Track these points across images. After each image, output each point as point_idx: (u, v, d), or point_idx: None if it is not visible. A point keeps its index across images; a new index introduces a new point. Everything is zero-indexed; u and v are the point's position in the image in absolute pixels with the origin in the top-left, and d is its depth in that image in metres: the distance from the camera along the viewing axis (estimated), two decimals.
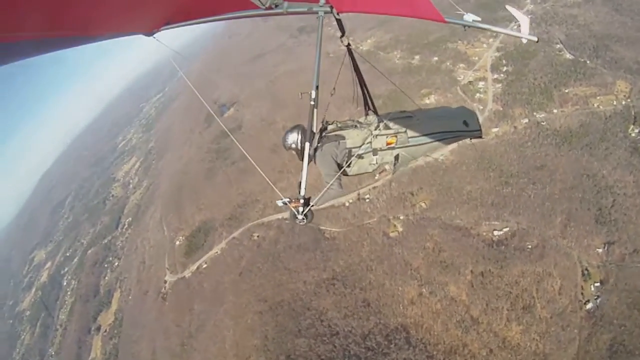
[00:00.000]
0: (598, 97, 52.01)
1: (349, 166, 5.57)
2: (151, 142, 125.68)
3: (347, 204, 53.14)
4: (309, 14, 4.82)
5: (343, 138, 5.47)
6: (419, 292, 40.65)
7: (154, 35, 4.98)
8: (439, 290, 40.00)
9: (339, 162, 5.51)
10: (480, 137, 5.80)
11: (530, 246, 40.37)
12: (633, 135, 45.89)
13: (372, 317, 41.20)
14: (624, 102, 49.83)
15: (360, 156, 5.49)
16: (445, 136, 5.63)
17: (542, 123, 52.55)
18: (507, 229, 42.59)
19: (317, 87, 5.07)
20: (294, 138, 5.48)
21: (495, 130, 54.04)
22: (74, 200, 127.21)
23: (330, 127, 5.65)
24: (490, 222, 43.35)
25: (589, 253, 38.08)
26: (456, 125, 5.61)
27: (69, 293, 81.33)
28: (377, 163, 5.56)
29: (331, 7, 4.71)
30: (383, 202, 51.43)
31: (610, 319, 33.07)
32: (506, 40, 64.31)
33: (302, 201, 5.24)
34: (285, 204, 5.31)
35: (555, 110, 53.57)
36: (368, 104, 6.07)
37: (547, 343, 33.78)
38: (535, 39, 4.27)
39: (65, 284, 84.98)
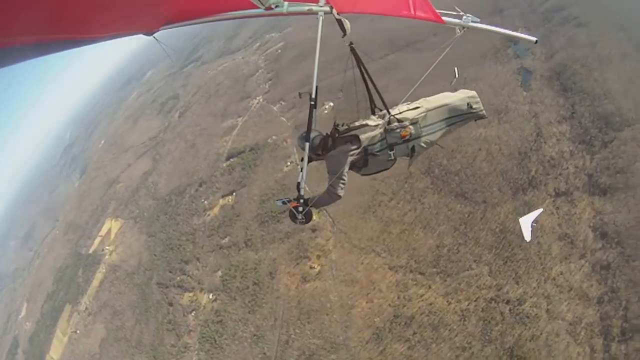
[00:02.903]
0: None
1: (366, 166, 5.63)
2: None
3: None
4: (309, 14, 4.87)
5: (357, 138, 5.47)
6: None
7: (154, 35, 5.04)
8: None
9: (354, 163, 5.57)
10: (485, 117, 5.95)
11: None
12: None
13: None
14: None
15: (376, 154, 5.53)
16: (454, 120, 5.72)
17: None
18: None
19: (316, 88, 5.08)
20: (315, 141, 5.51)
21: None
22: None
23: (342, 129, 5.65)
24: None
25: None
26: (462, 109, 5.70)
27: None
28: (394, 158, 5.61)
29: (331, 8, 4.75)
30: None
31: None
32: None
33: (301, 201, 5.28)
34: (285, 203, 5.44)
35: None
36: (374, 102, 6.07)
37: None
38: (534, 39, 4.49)
39: None
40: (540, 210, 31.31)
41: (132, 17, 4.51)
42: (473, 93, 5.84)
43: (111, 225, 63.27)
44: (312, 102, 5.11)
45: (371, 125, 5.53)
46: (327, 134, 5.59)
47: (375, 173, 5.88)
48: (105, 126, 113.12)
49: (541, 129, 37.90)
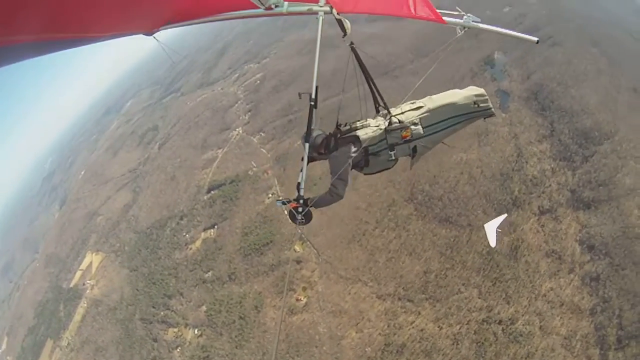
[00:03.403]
0: None
1: (367, 166, 5.65)
2: None
3: None
4: (309, 14, 4.85)
5: (358, 138, 5.45)
6: None
7: (154, 35, 5.10)
8: None
9: (356, 163, 5.57)
10: (493, 115, 5.75)
11: None
12: None
13: None
14: None
15: (377, 154, 5.55)
16: (459, 120, 5.62)
17: None
18: None
19: (316, 88, 5.05)
20: (317, 140, 5.47)
21: None
22: None
23: (343, 129, 5.63)
24: None
25: None
26: (468, 107, 5.57)
27: None
28: (395, 158, 5.59)
29: (331, 8, 4.72)
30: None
31: None
32: None
33: (301, 201, 5.23)
34: (284, 204, 5.36)
35: None
36: (378, 101, 5.96)
37: None
38: (535, 39, 4.60)
39: None
40: (504, 215, 31.58)
41: (132, 17, 4.51)
42: (481, 91, 5.64)
43: (92, 259, 61.71)
44: (312, 102, 5.06)
45: (372, 126, 5.55)
46: (329, 133, 5.59)
47: (377, 172, 5.89)
48: (86, 157, 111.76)
49: (521, 149, 38.35)
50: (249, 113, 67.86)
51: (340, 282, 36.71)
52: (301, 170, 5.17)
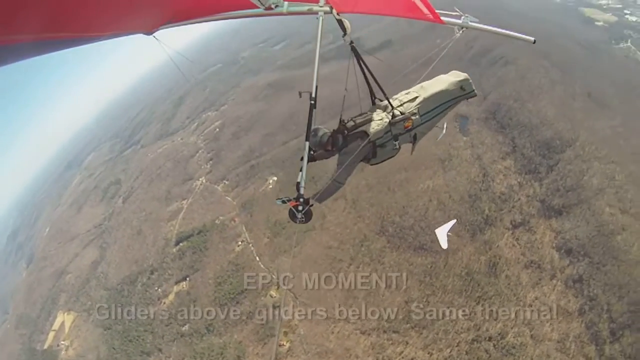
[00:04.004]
0: None
1: (375, 157, 5.96)
2: None
3: None
4: (309, 14, 4.93)
5: (367, 134, 5.67)
6: None
7: (154, 35, 5.13)
8: None
9: (364, 156, 5.86)
10: (475, 95, 6.33)
11: None
12: None
13: None
14: None
15: (383, 145, 5.85)
16: (449, 104, 6.18)
17: None
18: None
19: (316, 87, 5.14)
20: (323, 138, 5.60)
21: None
22: None
23: (349, 125, 5.80)
24: None
25: None
26: (456, 92, 6.13)
27: None
28: (398, 147, 5.99)
29: (331, 8, 4.79)
30: None
31: None
32: None
33: (301, 200, 5.30)
34: (284, 202, 5.42)
35: None
36: (373, 94, 6.23)
37: None
38: (532, 39, 4.95)
39: None
40: (454, 221, 33.33)
41: (131, 16, 4.49)
42: (465, 75, 6.20)
43: (64, 319, 58.54)
44: (312, 102, 5.14)
45: (376, 120, 5.81)
46: (333, 130, 5.73)
47: (382, 161, 6.19)
48: (50, 213, 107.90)
49: (486, 168, 39.23)
50: (211, 162, 67.30)
51: (321, 323, 35.80)
52: (301, 170, 5.27)
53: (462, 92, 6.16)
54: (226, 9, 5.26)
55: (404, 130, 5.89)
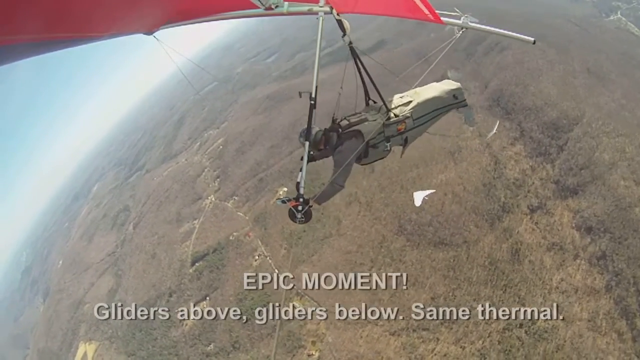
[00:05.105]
0: None
1: (366, 157, 6.02)
2: None
3: None
4: (309, 14, 4.97)
5: (361, 133, 5.75)
6: None
7: (154, 35, 5.18)
8: None
9: (360, 155, 5.94)
10: (467, 105, 6.52)
11: None
12: None
13: None
14: None
15: (375, 146, 5.94)
16: (441, 111, 6.32)
17: None
18: None
19: (316, 87, 5.18)
20: (317, 136, 5.61)
21: None
22: None
23: (343, 124, 5.88)
24: None
25: None
26: (448, 100, 6.30)
27: None
28: (390, 148, 6.10)
29: (331, 8, 4.82)
30: None
31: None
32: None
33: (301, 200, 5.40)
34: (284, 202, 5.51)
35: None
36: (368, 94, 6.33)
37: None
38: (532, 39, 5.10)
39: None
40: (433, 190, 34.00)
41: (132, 16, 4.53)
42: (457, 85, 6.43)
43: (86, 349, 58.71)
44: (312, 102, 5.19)
45: (370, 121, 5.88)
46: (325, 128, 5.76)
47: (372, 162, 6.29)
48: (61, 246, 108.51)
49: (497, 156, 39.06)
50: (218, 179, 67.17)
51: (349, 329, 35.60)
52: (301, 170, 5.39)
53: (454, 100, 6.35)
54: (226, 9, 5.34)
55: (397, 132, 6.04)
